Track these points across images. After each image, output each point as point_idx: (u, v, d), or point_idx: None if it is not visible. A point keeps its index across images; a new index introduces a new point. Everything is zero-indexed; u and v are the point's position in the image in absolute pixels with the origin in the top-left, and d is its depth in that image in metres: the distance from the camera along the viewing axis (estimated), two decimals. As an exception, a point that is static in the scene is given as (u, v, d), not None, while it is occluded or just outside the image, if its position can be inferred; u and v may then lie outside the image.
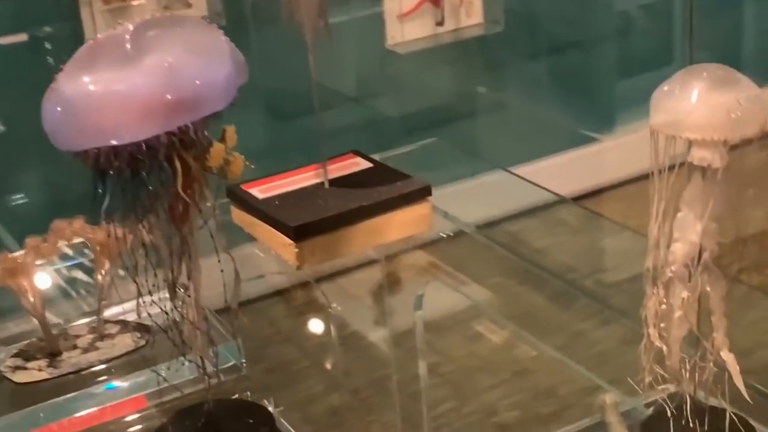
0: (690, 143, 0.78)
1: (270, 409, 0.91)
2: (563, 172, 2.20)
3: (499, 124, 2.29)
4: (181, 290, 0.80)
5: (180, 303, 0.81)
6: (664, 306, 0.81)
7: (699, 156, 0.78)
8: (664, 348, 0.81)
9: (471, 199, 1.70)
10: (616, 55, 2.39)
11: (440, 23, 2.10)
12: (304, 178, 1.20)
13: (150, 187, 0.75)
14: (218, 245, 0.79)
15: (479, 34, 2.16)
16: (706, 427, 0.82)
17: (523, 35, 2.29)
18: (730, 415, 0.81)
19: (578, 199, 2.15)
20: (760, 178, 2.43)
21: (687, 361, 0.82)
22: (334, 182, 1.18)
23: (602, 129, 2.35)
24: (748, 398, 0.80)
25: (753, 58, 2.50)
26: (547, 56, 2.36)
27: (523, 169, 1.96)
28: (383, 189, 1.15)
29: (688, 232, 0.80)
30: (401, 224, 1.15)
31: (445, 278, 1.53)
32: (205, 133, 0.76)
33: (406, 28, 2.07)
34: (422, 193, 1.16)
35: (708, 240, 0.80)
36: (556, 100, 2.36)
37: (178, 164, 0.74)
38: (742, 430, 0.81)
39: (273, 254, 1.16)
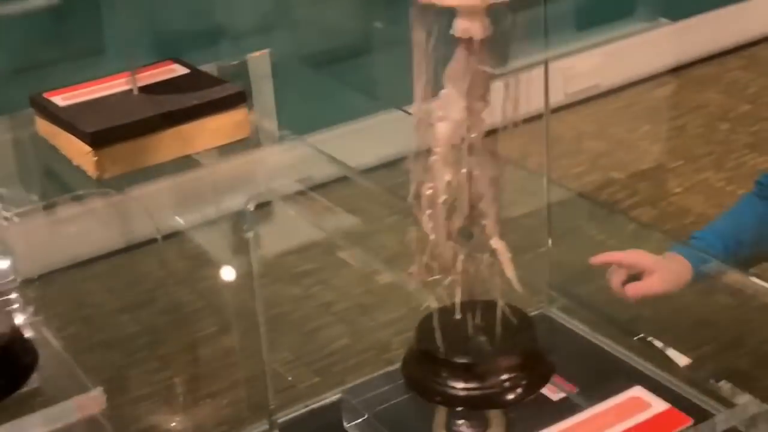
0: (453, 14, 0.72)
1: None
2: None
3: (397, 61, 2.23)
4: None
5: None
6: (430, 191, 0.75)
7: (461, 27, 0.73)
8: (432, 237, 0.75)
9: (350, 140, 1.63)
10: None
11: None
12: (114, 86, 1.13)
13: None
14: None
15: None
16: (478, 320, 0.77)
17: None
18: (501, 306, 0.76)
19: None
20: (655, 114, 2.41)
21: (459, 250, 0.76)
22: (144, 89, 1.11)
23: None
24: (518, 287, 0.75)
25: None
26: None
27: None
28: (195, 95, 1.09)
29: (452, 110, 0.74)
30: (214, 131, 1.09)
31: (328, 215, 1.48)
32: None
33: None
34: (236, 99, 1.10)
35: (474, 119, 0.74)
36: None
37: None
38: (514, 320, 0.76)
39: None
